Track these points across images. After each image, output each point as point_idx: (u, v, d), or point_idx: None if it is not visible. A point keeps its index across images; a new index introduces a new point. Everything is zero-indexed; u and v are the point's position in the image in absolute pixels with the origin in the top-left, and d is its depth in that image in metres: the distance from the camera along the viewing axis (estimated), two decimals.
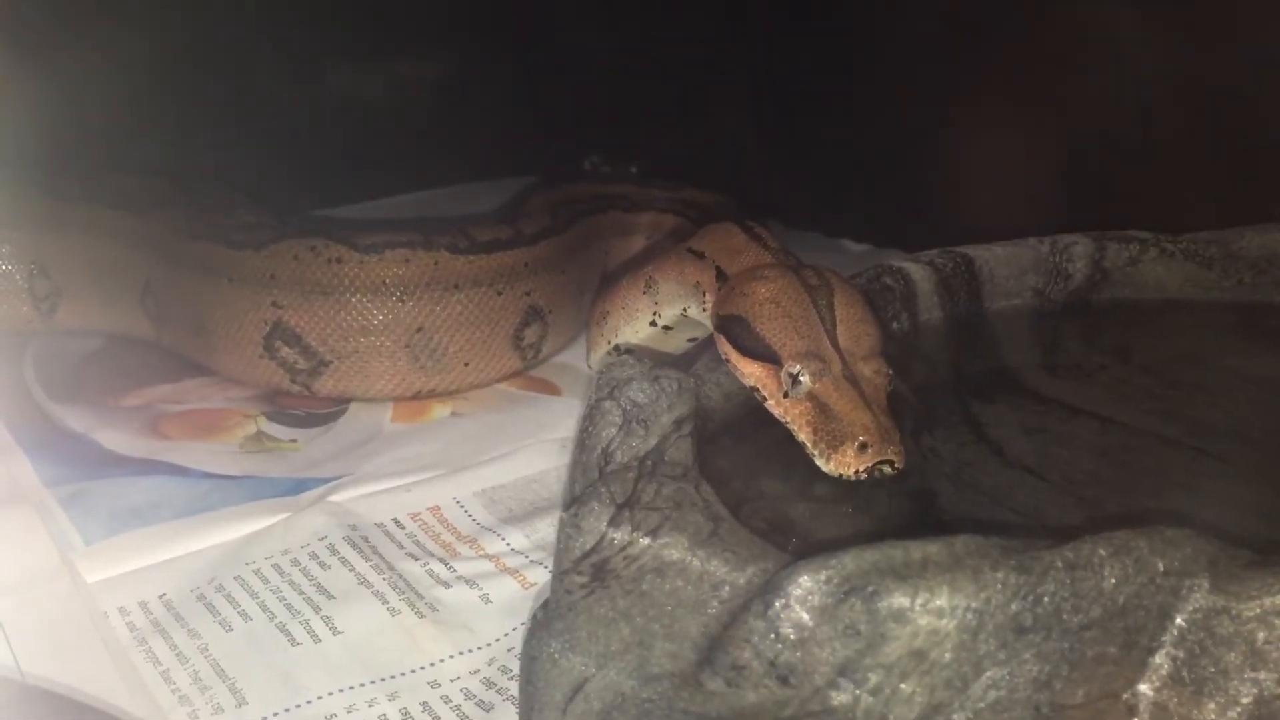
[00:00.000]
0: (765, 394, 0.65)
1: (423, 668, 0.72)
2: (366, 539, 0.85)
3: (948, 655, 0.44)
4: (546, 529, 0.86)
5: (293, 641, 0.74)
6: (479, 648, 0.74)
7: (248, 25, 1.35)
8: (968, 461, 0.66)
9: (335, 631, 0.75)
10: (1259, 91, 1.05)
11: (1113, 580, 0.44)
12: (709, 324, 0.77)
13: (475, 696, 0.70)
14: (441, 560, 0.83)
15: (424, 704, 0.69)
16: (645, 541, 0.52)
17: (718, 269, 0.79)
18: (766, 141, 1.56)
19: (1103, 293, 0.86)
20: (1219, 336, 0.83)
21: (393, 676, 0.71)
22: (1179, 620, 0.44)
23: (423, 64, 1.64)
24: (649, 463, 0.57)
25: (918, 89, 1.35)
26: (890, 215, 1.43)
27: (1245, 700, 0.43)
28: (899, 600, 0.43)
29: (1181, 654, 0.44)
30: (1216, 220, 0.88)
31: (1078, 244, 0.86)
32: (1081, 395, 0.75)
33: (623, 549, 0.52)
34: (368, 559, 0.82)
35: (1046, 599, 0.44)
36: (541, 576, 0.80)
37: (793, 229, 1.53)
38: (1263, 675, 0.43)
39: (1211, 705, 0.43)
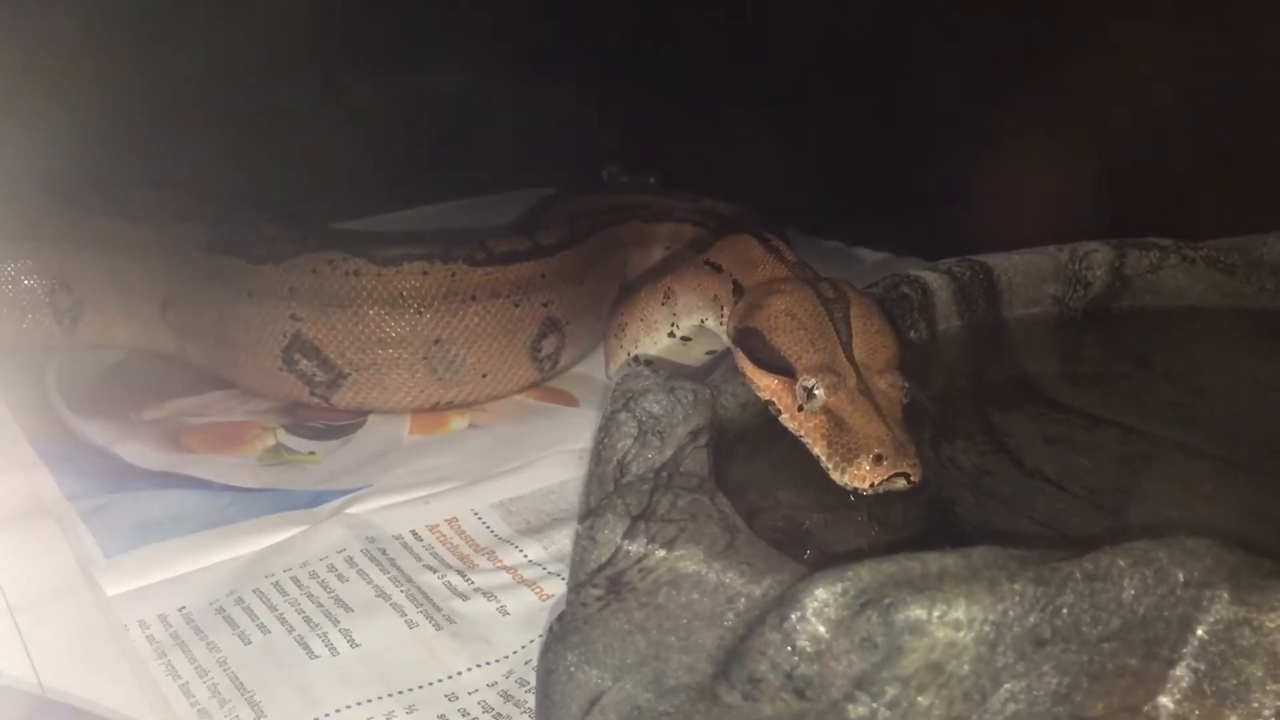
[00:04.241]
0: (780, 407, 0.65)
1: (440, 680, 0.72)
2: (384, 551, 0.85)
3: (966, 668, 0.43)
4: (564, 540, 0.86)
5: (311, 654, 0.74)
6: (496, 660, 0.74)
7: (268, 40, 1.36)
8: (987, 471, 0.66)
9: (353, 644, 0.75)
10: None
11: (1132, 591, 0.43)
12: (726, 337, 0.76)
13: (493, 709, 0.69)
14: (459, 572, 0.83)
15: (441, 717, 0.69)
16: (661, 554, 0.51)
17: (734, 282, 0.78)
18: (785, 150, 1.55)
19: (1123, 300, 0.85)
20: (1241, 344, 0.82)
21: (410, 689, 0.71)
22: (1200, 632, 0.44)
23: (440, 76, 1.64)
24: (664, 474, 0.57)
25: (936, 98, 1.35)
26: (909, 223, 1.43)
27: (1267, 713, 0.42)
28: (916, 612, 0.43)
29: (1203, 666, 0.44)
30: (1238, 227, 0.87)
31: (1097, 251, 0.85)
32: (1102, 404, 0.74)
33: (638, 561, 0.52)
34: (386, 571, 0.83)
35: (1065, 611, 0.43)
36: (559, 588, 0.80)
37: (812, 237, 1.53)
38: None
39: (1233, 717, 0.43)
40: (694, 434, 0.60)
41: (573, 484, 0.95)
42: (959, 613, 0.43)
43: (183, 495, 0.94)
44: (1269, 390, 0.76)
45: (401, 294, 1.05)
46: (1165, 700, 0.44)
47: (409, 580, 0.82)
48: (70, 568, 0.83)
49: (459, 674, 0.72)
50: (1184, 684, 0.44)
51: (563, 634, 0.53)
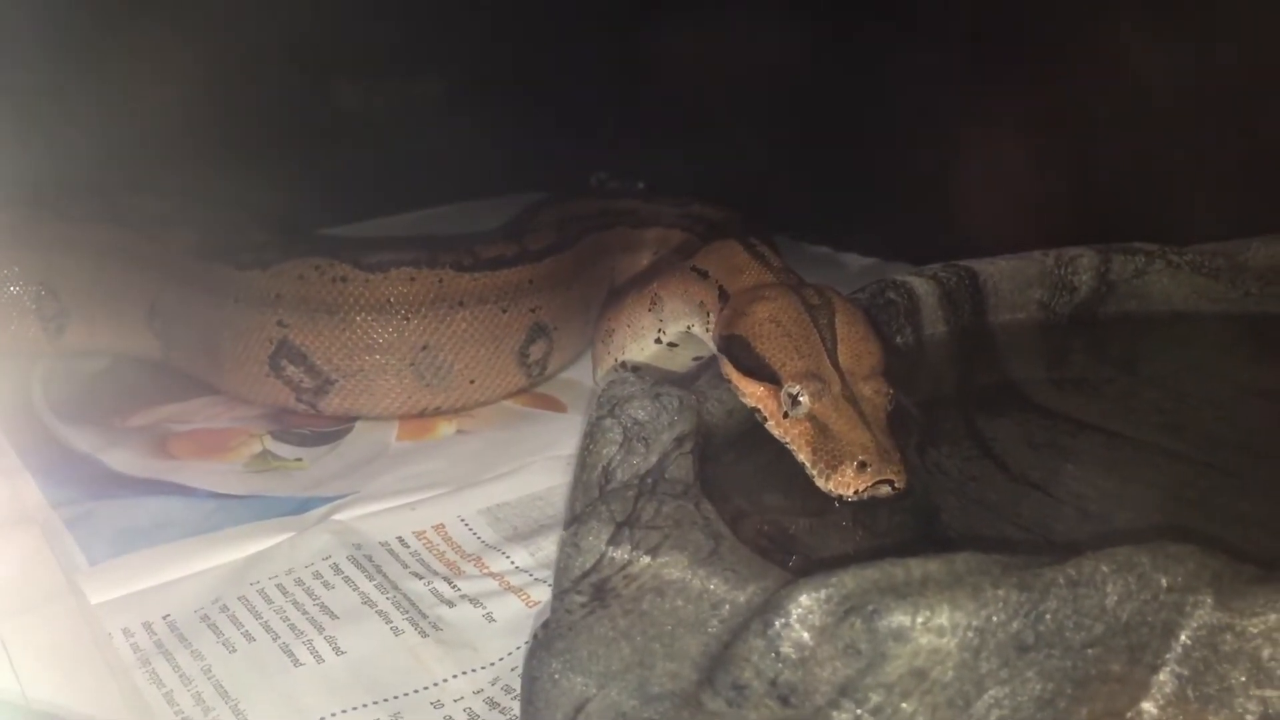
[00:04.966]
0: (766, 414, 0.65)
1: (426, 688, 0.71)
2: (370, 558, 0.85)
3: (949, 674, 0.43)
4: (551, 547, 0.86)
5: (296, 662, 0.74)
6: (482, 667, 0.74)
7: (255, 45, 1.35)
8: (973, 476, 0.66)
9: (338, 652, 0.75)
10: (1266, 101, 1.04)
11: (1115, 597, 0.43)
12: (711, 343, 0.76)
13: (479, 717, 0.69)
14: (445, 579, 0.83)
15: None
16: (645, 560, 0.51)
17: (720, 288, 0.78)
18: (775, 155, 1.56)
19: (1109, 305, 0.85)
20: (1226, 349, 0.83)
21: (396, 697, 0.70)
22: (1183, 637, 0.44)
23: (429, 81, 1.64)
24: (649, 481, 0.57)
25: (926, 102, 1.35)
26: (898, 228, 1.43)
27: (1250, 718, 0.42)
28: (899, 619, 0.43)
29: (1186, 671, 0.44)
30: (1225, 231, 0.88)
31: (1083, 256, 0.85)
32: (1088, 409, 0.74)
33: (623, 568, 0.52)
34: (372, 578, 0.82)
35: (1049, 616, 0.43)
36: (546, 595, 0.80)
37: (800, 242, 1.53)
38: (1268, 692, 0.42)
39: None
40: (679, 440, 0.60)
41: (560, 490, 0.95)
42: (942, 619, 0.43)
43: (167, 502, 0.94)
44: (1253, 395, 0.77)
45: (389, 300, 1.05)
46: (1149, 706, 0.44)
47: (395, 587, 0.81)
48: (54, 575, 0.82)
49: (445, 681, 0.72)
50: (1167, 689, 0.44)
51: (547, 641, 0.53)
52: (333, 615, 0.78)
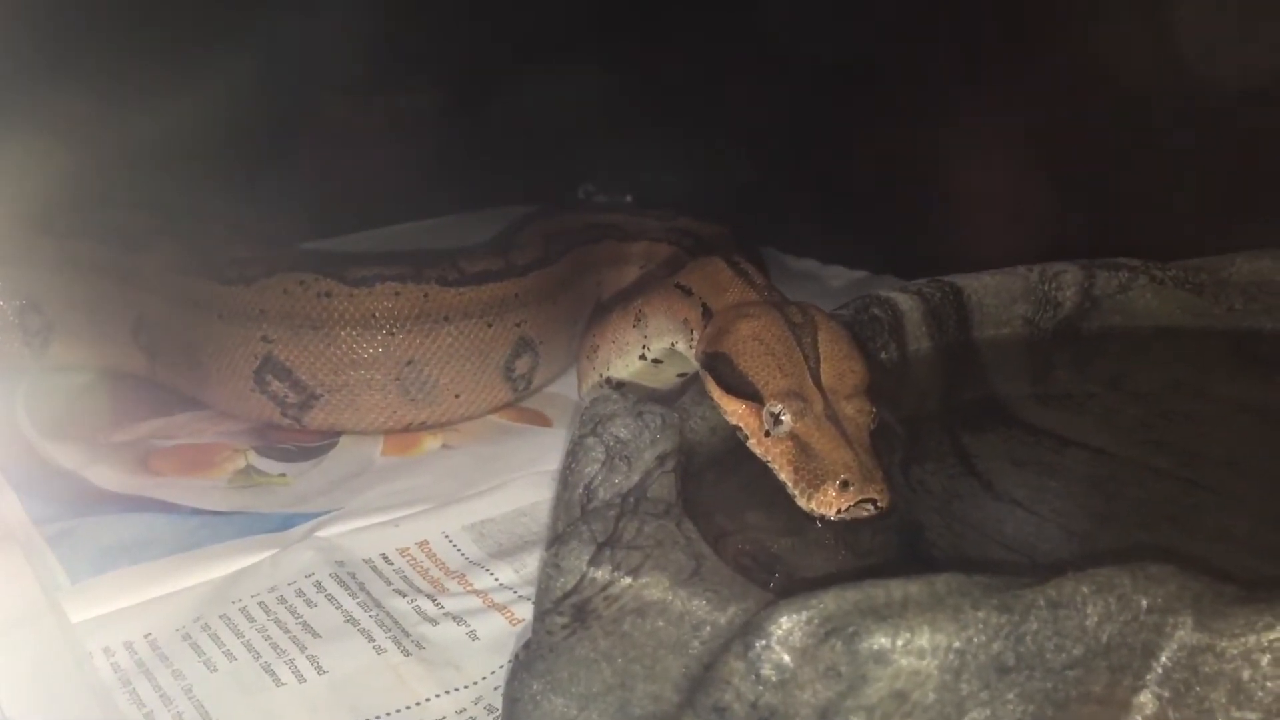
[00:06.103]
0: (747, 433, 0.65)
1: (408, 707, 0.71)
2: (354, 576, 0.84)
3: (930, 696, 0.43)
4: (536, 563, 0.85)
5: (277, 682, 0.73)
6: (465, 686, 0.73)
7: (238, 62, 1.35)
8: (957, 494, 0.66)
9: (320, 671, 0.74)
10: (1251, 119, 1.05)
11: (1095, 618, 0.43)
12: (695, 360, 0.76)
13: None
14: (429, 597, 0.82)
15: None
16: (626, 581, 0.51)
17: (704, 305, 0.78)
18: (762, 168, 1.56)
19: (1093, 321, 0.85)
20: (1210, 364, 0.83)
21: (378, 717, 0.70)
22: (1163, 658, 0.44)
23: (416, 95, 1.64)
24: (631, 500, 0.57)
25: (914, 116, 1.35)
26: (885, 242, 1.43)
27: None
28: (880, 641, 0.43)
29: (1166, 693, 0.44)
30: (1215, 245, 0.88)
31: (1067, 272, 0.85)
32: (1072, 425, 0.74)
33: (603, 589, 0.51)
34: (355, 596, 0.82)
35: (1029, 638, 0.43)
36: (529, 612, 0.79)
37: (788, 255, 1.53)
38: (1248, 714, 0.42)
39: None
40: (661, 459, 0.59)
41: (545, 505, 0.94)
42: (923, 641, 0.43)
43: (151, 519, 0.93)
44: (1237, 411, 0.77)
45: (374, 315, 1.04)
46: None
47: (378, 605, 0.81)
48: (34, 594, 0.81)
49: (427, 700, 0.72)
50: (1148, 710, 0.44)
51: (528, 662, 0.53)
52: (315, 634, 0.78)
